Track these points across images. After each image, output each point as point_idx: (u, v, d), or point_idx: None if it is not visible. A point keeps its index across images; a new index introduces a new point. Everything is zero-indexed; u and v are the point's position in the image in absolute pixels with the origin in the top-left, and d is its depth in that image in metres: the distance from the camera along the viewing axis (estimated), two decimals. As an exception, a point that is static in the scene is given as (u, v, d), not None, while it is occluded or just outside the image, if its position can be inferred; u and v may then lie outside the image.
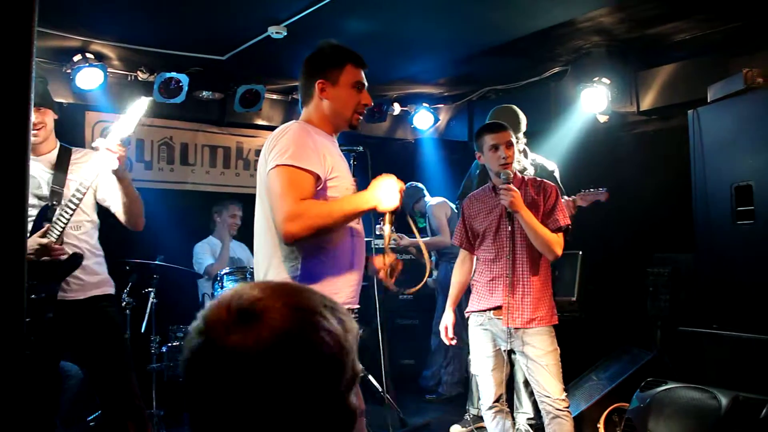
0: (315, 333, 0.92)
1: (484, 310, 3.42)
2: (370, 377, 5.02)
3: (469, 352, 4.85)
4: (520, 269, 3.36)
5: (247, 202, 5.45)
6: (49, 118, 3.13)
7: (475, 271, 3.60)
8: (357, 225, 2.46)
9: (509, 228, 3.34)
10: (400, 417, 4.92)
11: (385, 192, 2.35)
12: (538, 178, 3.56)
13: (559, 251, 3.32)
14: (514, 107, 4.60)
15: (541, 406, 3.33)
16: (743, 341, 3.45)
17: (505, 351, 3.38)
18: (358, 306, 2.47)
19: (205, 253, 5.37)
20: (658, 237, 5.08)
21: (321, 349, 0.92)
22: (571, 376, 4.71)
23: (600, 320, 5.10)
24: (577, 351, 4.93)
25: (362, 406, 2.36)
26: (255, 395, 0.88)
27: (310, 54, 2.49)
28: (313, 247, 2.30)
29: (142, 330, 4.61)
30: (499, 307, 3.35)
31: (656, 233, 5.11)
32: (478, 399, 4.80)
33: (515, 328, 3.31)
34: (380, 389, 4.98)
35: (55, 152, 3.18)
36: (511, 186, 3.25)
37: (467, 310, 3.55)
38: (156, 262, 4.74)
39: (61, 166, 3.13)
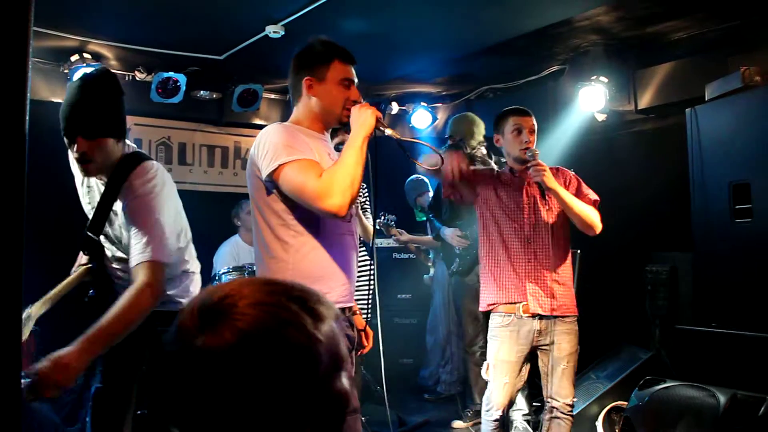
0: (281, 327, 0.91)
1: (511, 303, 3.23)
2: (369, 376, 5.03)
3: (466, 351, 4.88)
4: (549, 254, 3.24)
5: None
6: (102, 148, 2.44)
7: (483, 260, 3.40)
8: (349, 224, 2.45)
9: (546, 207, 3.23)
10: (398, 416, 4.92)
11: (360, 119, 2.33)
12: (553, 166, 3.45)
13: (600, 225, 3.22)
14: (471, 114, 4.71)
15: (546, 404, 3.27)
16: (741, 339, 3.46)
17: (528, 353, 3.24)
18: (352, 304, 2.46)
19: (221, 260, 5.35)
20: (656, 235, 5.09)
21: (288, 342, 0.90)
22: (569, 375, 4.72)
23: (598, 319, 5.09)
24: (576, 349, 4.95)
25: (356, 403, 2.36)
26: (227, 394, 0.87)
27: (298, 51, 2.47)
28: (304, 246, 2.30)
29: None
30: (525, 299, 3.21)
31: (654, 232, 5.12)
32: (478, 395, 4.81)
33: (545, 321, 3.19)
34: (379, 388, 4.98)
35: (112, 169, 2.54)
36: (540, 161, 3.16)
37: (489, 302, 3.31)
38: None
39: (108, 195, 2.51)
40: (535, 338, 3.21)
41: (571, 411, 3.24)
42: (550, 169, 3.34)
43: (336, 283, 2.35)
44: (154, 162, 2.57)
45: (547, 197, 3.25)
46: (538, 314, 3.19)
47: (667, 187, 4.85)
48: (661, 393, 3.46)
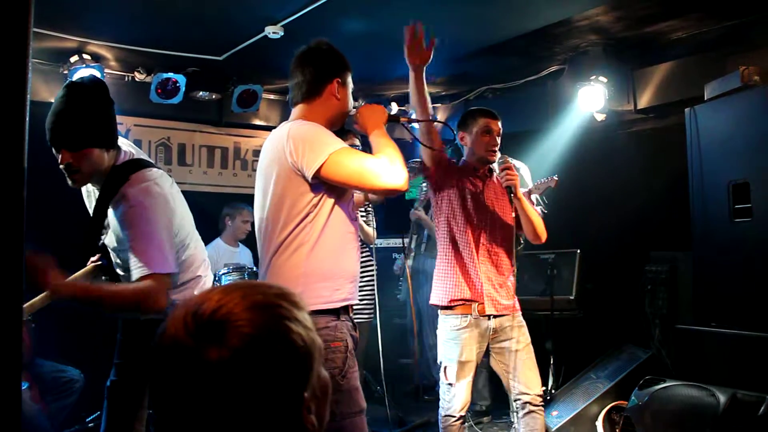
0: (281, 324, 0.93)
1: (468, 302, 3.22)
2: (369, 376, 5.03)
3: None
4: (501, 255, 3.30)
5: (244, 202, 5.47)
6: (88, 159, 2.40)
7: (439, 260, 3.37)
8: (355, 222, 2.49)
9: (502, 208, 3.30)
10: (399, 416, 4.92)
11: (375, 113, 2.52)
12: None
13: (546, 235, 3.35)
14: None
15: (516, 401, 3.25)
16: (741, 339, 3.46)
17: (483, 351, 3.27)
18: (357, 301, 2.49)
19: None
20: (656, 235, 5.09)
21: (292, 339, 0.92)
22: (569, 375, 4.72)
23: (598, 319, 5.10)
24: (576, 349, 4.94)
25: (363, 404, 2.37)
26: (243, 397, 0.88)
27: (319, 51, 2.51)
28: (318, 246, 2.33)
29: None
30: (482, 299, 3.21)
31: (654, 231, 5.12)
32: (477, 397, 4.82)
33: (498, 319, 3.22)
34: (379, 388, 4.98)
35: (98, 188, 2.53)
36: (512, 166, 3.25)
37: (451, 298, 3.25)
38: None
39: (100, 206, 2.48)
40: (491, 336, 3.24)
41: (542, 402, 3.25)
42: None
43: (345, 281, 2.38)
44: (152, 170, 2.51)
45: (504, 198, 3.32)
46: (492, 314, 3.22)
47: (666, 186, 4.85)
48: (661, 393, 3.47)
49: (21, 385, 1.10)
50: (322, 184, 2.30)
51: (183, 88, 5.16)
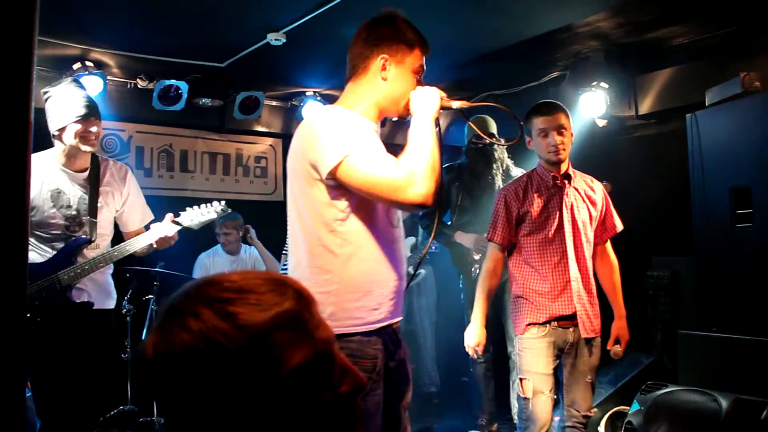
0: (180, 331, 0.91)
1: (550, 320, 3.03)
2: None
3: (474, 360, 4.86)
4: (587, 270, 3.10)
5: (246, 208, 5.47)
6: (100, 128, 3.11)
7: (507, 275, 3.15)
8: (396, 229, 2.16)
9: (583, 217, 3.09)
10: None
11: (424, 98, 2.11)
12: (588, 175, 3.33)
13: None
14: (483, 116, 4.64)
15: (564, 413, 3.14)
16: (743, 343, 3.45)
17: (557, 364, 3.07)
18: (401, 318, 2.21)
19: (197, 270, 5.37)
20: (658, 240, 5.08)
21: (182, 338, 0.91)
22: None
23: (601, 324, 5.09)
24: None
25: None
26: (177, 396, 0.90)
27: (374, 20, 2.15)
28: (353, 257, 2.01)
29: (143, 338, 4.60)
30: (567, 317, 3.03)
31: (655, 237, 5.11)
32: (488, 405, 4.78)
33: (576, 331, 3.04)
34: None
35: (87, 172, 3.14)
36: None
37: (528, 322, 3.05)
38: (156, 269, 4.73)
39: (93, 187, 3.11)
40: (566, 349, 3.08)
41: (585, 423, 3.15)
42: (582, 175, 3.26)
43: (385, 298, 2.07)
44: None
45: (585, 208, 3.12)
46: (573, 326, 3.05)
47: (668, 192, 4.85)
48: (663, 398, 3.46)
49: (25, 392, 1.10)
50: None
51: (185, 95, 5.18)
